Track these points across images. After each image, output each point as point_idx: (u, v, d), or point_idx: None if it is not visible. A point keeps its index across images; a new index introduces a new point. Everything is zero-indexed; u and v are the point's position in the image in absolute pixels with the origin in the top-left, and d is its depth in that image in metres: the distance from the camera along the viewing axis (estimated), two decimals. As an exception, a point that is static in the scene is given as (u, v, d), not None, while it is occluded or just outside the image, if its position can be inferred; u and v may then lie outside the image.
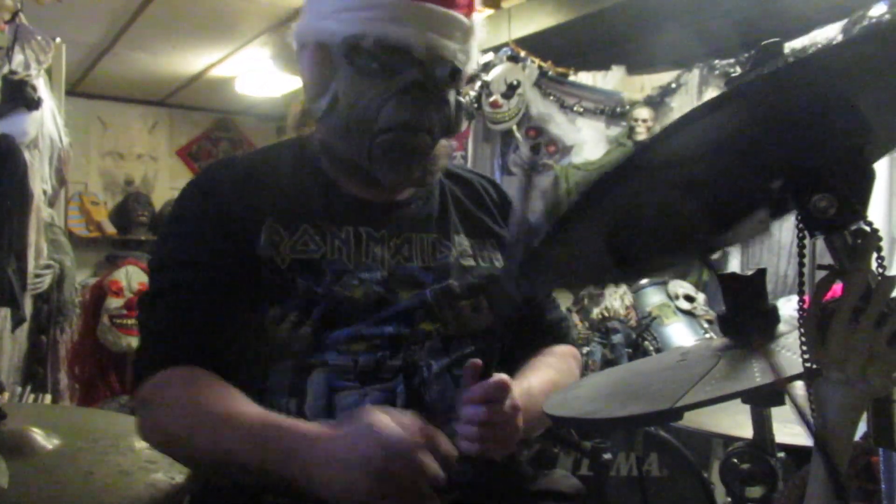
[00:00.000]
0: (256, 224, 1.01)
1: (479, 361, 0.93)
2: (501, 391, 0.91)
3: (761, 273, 0.72)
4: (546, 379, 1.08)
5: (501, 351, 1.07)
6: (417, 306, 1.04)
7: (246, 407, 0.90)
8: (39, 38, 2.51)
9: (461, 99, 1.10)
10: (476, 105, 4.12)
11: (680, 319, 3.15)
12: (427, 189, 1.15)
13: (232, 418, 0.89)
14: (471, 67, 1.11)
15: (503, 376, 0.93)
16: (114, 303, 3.21)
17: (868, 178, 0.57)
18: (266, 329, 0.99)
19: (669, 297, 3.23)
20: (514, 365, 1.09)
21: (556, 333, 1.22)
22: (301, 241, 1.02)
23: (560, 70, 4.11)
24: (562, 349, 1.20)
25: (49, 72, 2.69)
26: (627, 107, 3.90)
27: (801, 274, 0.59)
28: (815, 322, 0.57)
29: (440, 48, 1.01)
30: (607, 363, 2.84)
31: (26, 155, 2.40)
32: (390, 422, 0.79)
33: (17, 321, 2.54)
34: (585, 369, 2.59)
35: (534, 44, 4.06)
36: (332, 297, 1.00)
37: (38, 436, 0.97)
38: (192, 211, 1.05)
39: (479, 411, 0.90)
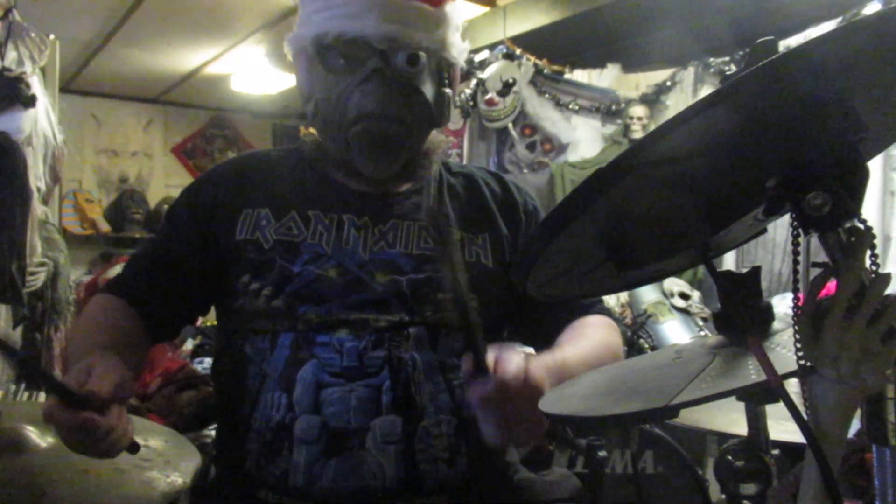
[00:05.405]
0: (236, 210, 1.11)
1: (469, 360, 0.85)
2: (510, 384, 0.83)
3: (756, 271, 0.72)
4: (584, 349, 1.02)
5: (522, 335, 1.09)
6: (393, 294, 1.04)
7: (103, 334, 1.02)
8: (34, 35, 2.49)
9: (446, 90, 1.11)
10: (472, 103, 4.12)
11: (675, 317, 3.15)
12: (422, 181, 1.16)
13: (89, 331, 1.04)
14: (452, 55, 1.12)
15: (511, 367, 0.83)
16: (108, 301, 3.19)
17: (862, 176, 0.57)
18: (245, 301, 1.05)
19: (665, 294, 3.24)
20: (545, 341, 1.07)
21: (587, 307, 1.15)
22: (286, 225, 1.09)
23: (555, 68, 4.11)
24: (595, 319, 1.14)
25: (43, 69, 2.68)
26: (623, 105, 3.91)
27: (795, 271, 0.59)
28: (810, 319, 0.57)
29: (401, 37, 1.04)
30: (603, 361, 2.84)
31: (21, 152, 2.38)
32: None
33: (19, 319, 2.53)
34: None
35: (529, 41, 4.06)
36: (305, 275, 1.04)
37: (33, 434, 0.97)
38: (180, 201, 1.18)
39: (492, 407, 0.83)
